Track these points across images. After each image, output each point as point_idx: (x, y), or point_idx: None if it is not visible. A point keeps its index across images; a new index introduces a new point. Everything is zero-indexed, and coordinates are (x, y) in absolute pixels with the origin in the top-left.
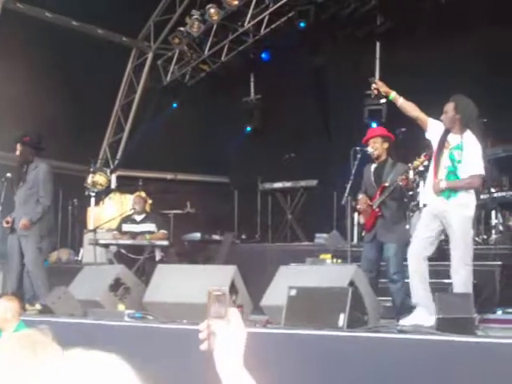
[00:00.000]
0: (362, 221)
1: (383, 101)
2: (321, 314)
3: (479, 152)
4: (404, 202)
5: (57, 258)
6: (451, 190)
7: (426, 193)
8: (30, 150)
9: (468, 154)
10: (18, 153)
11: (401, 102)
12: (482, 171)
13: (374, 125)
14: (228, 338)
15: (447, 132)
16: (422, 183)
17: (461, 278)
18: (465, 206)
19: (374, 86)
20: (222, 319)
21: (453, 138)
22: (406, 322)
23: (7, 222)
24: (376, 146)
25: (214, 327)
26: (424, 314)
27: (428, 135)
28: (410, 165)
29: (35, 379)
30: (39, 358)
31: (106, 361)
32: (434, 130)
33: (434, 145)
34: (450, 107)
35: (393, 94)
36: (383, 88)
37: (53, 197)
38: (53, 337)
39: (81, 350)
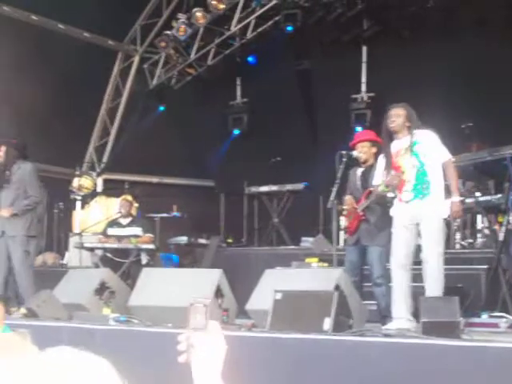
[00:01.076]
0: (346, 224)
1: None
2: (306, 317)
3: (436, 137)
4: (389, 208)
5: (42, 261)
6: (423, 191)
7: (395, 206)
8: (14, 152)
9: (430, 140)
10: (1, 153)
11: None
12: (450, 155)
13: (359, 129)
14: (207, 350)
15: (390, 141)
16: None
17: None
18: (438, 204)
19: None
20: (201, 331)
21: (403, 143)
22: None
23: None
24: (364, 150)
25: (194, 339)
26: (404, 323)
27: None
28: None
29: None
30: (14, 361)
31: (90, 360)
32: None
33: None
34: (399, 113)
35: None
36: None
37: (41, 194)
38: (32, 340)
39: (67, 349)
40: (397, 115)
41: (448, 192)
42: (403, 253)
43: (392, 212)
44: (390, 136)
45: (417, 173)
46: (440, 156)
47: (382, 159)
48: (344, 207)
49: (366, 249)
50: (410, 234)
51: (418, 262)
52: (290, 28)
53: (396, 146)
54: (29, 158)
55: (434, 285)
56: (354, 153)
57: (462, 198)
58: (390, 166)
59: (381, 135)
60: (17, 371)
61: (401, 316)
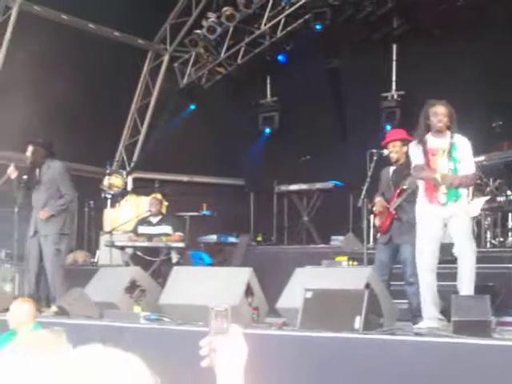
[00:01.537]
0: (378, 222)
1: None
2: (337, 316)
3: (470, 147)
4: None
5: (73, 259)
6: (457, 194)
7: (420, 206)
8: (42, 151)
9: (465, 150)
10: (28, 153)
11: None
12: (474, 169)
13: (389, 127)
14: (229, 354)
15: (424, 142)
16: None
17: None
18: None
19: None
20: (223, 335)
21: (442, 143)
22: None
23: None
24: (396, 150)
25: (216, 343)
26: (435, 322)
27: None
28: None
29: (42, 378)
30: (47, 358)
31: (121, 357)
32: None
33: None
34: (445, 110)
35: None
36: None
37: (74, 191)
38: (67, 338)
39: (99, 346)
40: (444, 114)
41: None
42: (430, 252)
43: (418, 213)
44: (427, 130)
45: None
46: (468, 167)
47: (415, 148)
48: (374, 209)
49: (399, 247)
50: (438, 234)
51: (443, 261)
52: (318, 27)
53: (433, 143)
54: (57, 156)
55: (470, 282)
56: (385, 151)
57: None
58: (427, 162)
59: (415, 130)
60: (51, 369)
61: (431, 316)
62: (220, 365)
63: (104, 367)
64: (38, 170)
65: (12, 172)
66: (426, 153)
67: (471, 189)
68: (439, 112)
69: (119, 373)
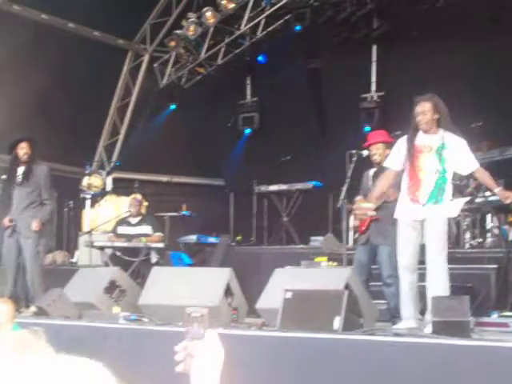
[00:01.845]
0: (357, 223)
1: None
2: (316, 316)
3: (467, 145)
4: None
5: (52, 260)
6: (438, 196)
7: (401, 205)
8: (34, 150)
9: (460, 149)
10: (26, 150)
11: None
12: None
13: (369, 128)
14: (206, 359)
15: (414, 136)
16: None
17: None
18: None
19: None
20: (200, 340)
21: (430, 140)
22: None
23: (10, 221)
24: (379, 152)
25: (192, 349)
26: (414, 323)
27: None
28: None
29: (22, 380)
30: (27, 359)
31: (85, 365)
32: (394, 159)
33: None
34: (426, 107)
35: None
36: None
37: (53, 196)
38: (46, 339)
39: (66, 356)
40: (423, 112)
41: (458, 192)
42: (410, 252)
43: (397, 212)
44: (417, 129)
45: (438, 179)
46: (469, 166)
47: (401, 143)
48: (354, 207)
49: (376, 248)
50: (417, 233)
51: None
52: (298, 27)
53: (421, 140)
54: (40, 155)
55: (441, 287)
56: (364, 152)
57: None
58: (412, 160)
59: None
60: (32, 369)
61: (410, 316)
62: (196, 370)
63: (66, 377)
64: (21, 169)
65: None
66: (412, 150)
67: (451, 191)
68: (420, 111)
69: (83, 381)
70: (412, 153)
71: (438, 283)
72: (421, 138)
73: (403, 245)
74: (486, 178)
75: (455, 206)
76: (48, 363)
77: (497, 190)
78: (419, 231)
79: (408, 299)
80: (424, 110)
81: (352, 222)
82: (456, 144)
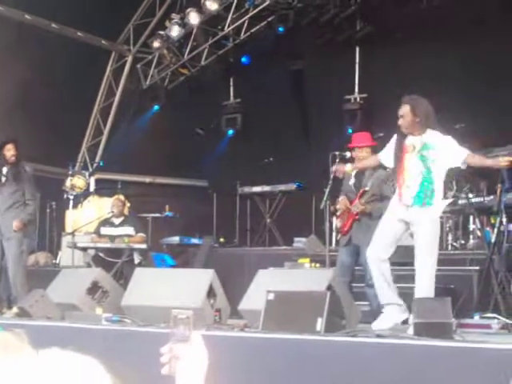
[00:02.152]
0: (339, 224)
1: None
2: (299, 318)
3: (453, 139)
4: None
5: (35, 260)
6: (425, 199)
7: (391, 204)
8: (19, 151)
9: (446, 145)
10: (13, 152)
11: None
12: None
13: (351, 129)
14: (191, 361)
15: (402, 138)
16: None
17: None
18: (437, 213)
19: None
20: (185, 343)
21: (415, 141)
22: (379, 323)
23: None
24: (364, 156)
25: (178, 351)
26: (395, 313)
27: (387, 163)
28: (388, 170)
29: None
30: (10, 361)
31: (81, 362)
32: (387, 155)
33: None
34: (405, 110)
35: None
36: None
37: (35, 197)
38: (28, 340)
39: (57, 350)
40: (402, 116)
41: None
42: (384, 243)
43: (387, 209)
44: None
45: (422, 180)
46: (459, 156)
47: (393, 142)
48: (338, 207)
49: (359, 249)
50: (396, 231)
51: (403, 263)
52: (281, 29)
53: (409, 140)
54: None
55: (424, 293)
56: (347, 154)
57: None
58: (398, 160)
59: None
60: (14, 371)
61: (390, 301)
62: (182, 372)
63: (62, 371)
64: (4, 170)
65: None
66: (398, 151)
67: (441, 193)
68: (400, 114)
69: (78, 377)
70: (398, 154)
71: (421, 290)
72: (408, 139)
73: (379, 233)
74: (478, 158)
75: (438, 208)
76: (32, 363)
77: (489, 161)
78: (398, 230)
79: (382, 284)
80: (403, 113)
81: (335, 223)
82: (441, 141)
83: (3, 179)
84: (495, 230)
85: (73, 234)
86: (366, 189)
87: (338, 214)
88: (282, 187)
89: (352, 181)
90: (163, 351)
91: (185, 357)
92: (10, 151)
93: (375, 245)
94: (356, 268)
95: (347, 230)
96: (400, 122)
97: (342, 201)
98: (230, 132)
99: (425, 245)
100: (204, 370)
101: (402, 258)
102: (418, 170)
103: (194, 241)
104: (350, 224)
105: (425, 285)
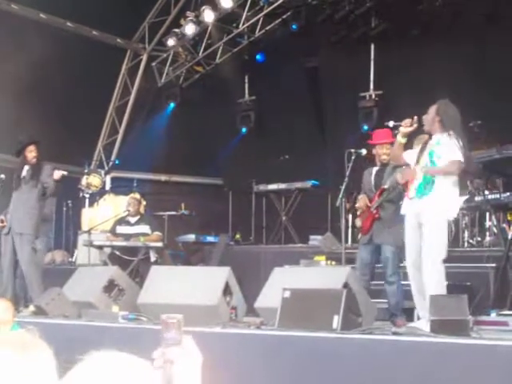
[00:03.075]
0: (359, 223)
1: (391, 124)
2: (315, 315)
3: (459, 144)
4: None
5: (51, 259)
6: (425, 190)
7: (403, 201)
8: (39, 151)
9: (447, 145)
10: (35, 154)
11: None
12: (461, 158)
13: (366, 127)
14: (185, 364)
15: (430, 137)
16: None
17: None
18: (439, 205)
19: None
20: (177, 346)
21: (434, 139)
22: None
23: (1, 221)
24: (388, 153)
25: (170, 355)
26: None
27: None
28: None
29: (26, 378)
30: (30, 358)
31: (135, 364)
32: (412, 159)
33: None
34: (431, 109)
35: (404, 140)
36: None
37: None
38: (40, 337)
39: (112, 352)
40: (427, 112)
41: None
42: (412, 252)
43: (402, 210)
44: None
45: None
46: (450, 156)
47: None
48: (357, 206)
49: (379, 248)
50: (414, 233)
51: None
52: (296, 26)
53: (431, 141)
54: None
55: (432, 290)
56: (363, 151)
57: (422, 170)
58: (419, 156)
59: None
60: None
61: (423, 315)
62: (177, 376)
63: (117, 373)
64: (26, 168)
65: None
66: (421, 149)
67: (445, 186)
68: (427, 111)
69: (132, 379)
70: (419, 152)
71: (430, 283)
72: (432, 138)
73: (406, 244)
74: (445, 168)
75: (441, 200)
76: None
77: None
78: (418, 230)
79: (417, 298)
80: (429, 111)
81: (355, 221)
82: (447, 140)
83: (23, 178)
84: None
85: (89, 232)
86: (385, 187)
87: (358, 213)
88: (298, 185)
89: (372, 179)
90: (155, 356)
91: (179, 360)
92: (31, 153)
93: (409, 255)
94: (377, 266)
95: (368, 229)
96: (424, 116)
97: (361, 199)
98: (245, 130)
99: (427, 236)
100: (199, 371)
101: None
102: (424, 163)
103: (210, 239)
104: (371, 223)
105: (429, 278)
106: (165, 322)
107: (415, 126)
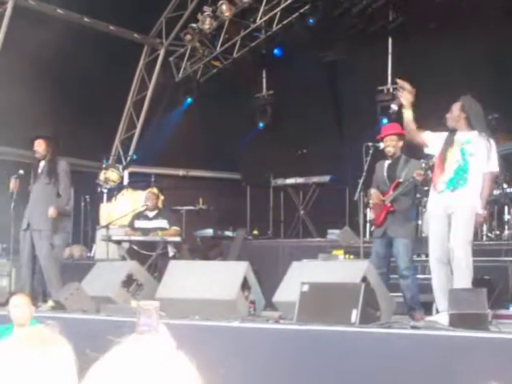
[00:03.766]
0: (373, 216)
1: (394, 106)
2: (333, 309)
3: (492, 147)
4: (417, 198)
5: (69, 254)
6: (457, 184)
7: (430, 195)
8: (53, 147)
9: (481, 148)
10: (39, 148)
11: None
12: (496, 167)
13: (385, 121)
14: (159, 351)
15: (453, 132)
16: None
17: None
18: (472, 198)
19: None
20: (151, 332)
21: (461, 136)
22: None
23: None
24: (392, 144)
25: (145, 341)
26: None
27: (429, 150)
28: (423, 161)
29: (45, 373)
30: (49, 353)
31: (175, 357)
32: (434, 142)
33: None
34: (456, 106)
35: (409, 112)
36: (407, 96)
37: (71, 192)
38: (60, 332)
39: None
40: (451, 110)
41: None
42: (438, 245)
43: (428, 205)
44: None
45: (457, 168)
46: (485, 165)
47: (445, 135)
48: (370, 201)
49: (393, 241)
50: (442, 225)
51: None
52: (311, 20)
53: (457, 135)
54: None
55: (461, 275)
56: (381, 145)
57: (485, 212)
58: (443, 151)
59: None
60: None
61: (442, 310)
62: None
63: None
64: (42, 164)
65: (14, 187)
66: (447, 143)
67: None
68: (451, 108)
69: (171, 372)
70: (444, 146)
71: (458, 277)
72: (457, 134)
73: (430, 237)
74: (486, 188)
75: (471, 196)
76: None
77: (479, 209)
78: (444, 222)
79: (438, 293)
80: (453, 107)
81: (369, 214)
82: (482, 142)
83: (39, 173)
84: None
85: (107, 227)
86: (400, 180)
87: (371, 205)
88: (316, 179)
89: (385, 172)
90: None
91: (152, 347)
92: (41, 146)
93: (432, 248)
94: (392, 259)
95: (381, 221)
96: (447, 115)
97: (373, 194)
98: (262, 124)
99: (456, 222)
100: (173, 359)
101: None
102: (455, 159)
103: (228, 233)
104: (385, 216)
105: (458, 271)
106: (140, 309)
107: (409, 88)
